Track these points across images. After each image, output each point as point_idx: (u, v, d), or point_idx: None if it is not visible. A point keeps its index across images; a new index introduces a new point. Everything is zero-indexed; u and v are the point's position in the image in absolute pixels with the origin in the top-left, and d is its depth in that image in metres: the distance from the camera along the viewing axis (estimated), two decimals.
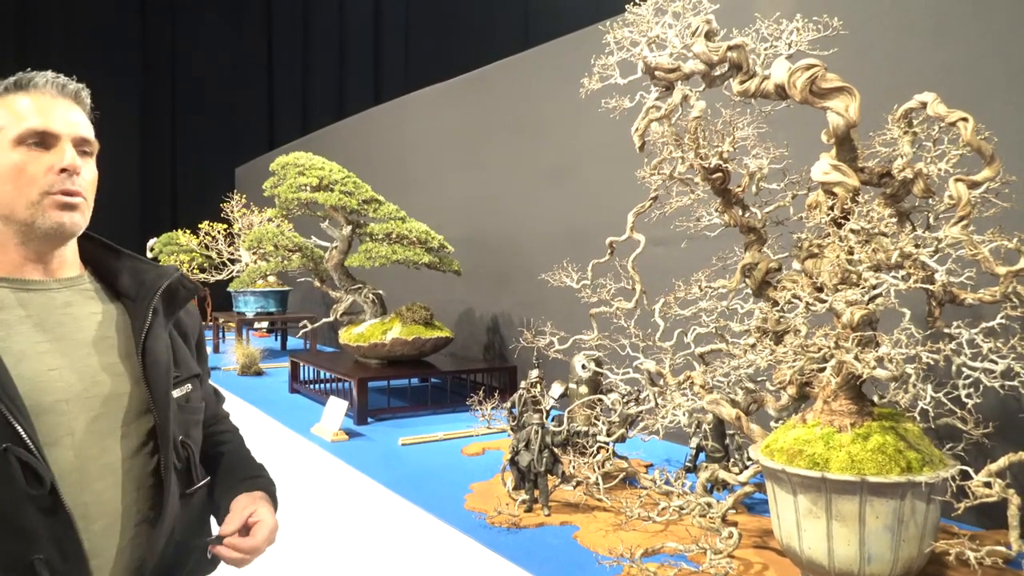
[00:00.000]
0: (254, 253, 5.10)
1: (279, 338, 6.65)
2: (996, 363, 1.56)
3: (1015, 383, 1.57)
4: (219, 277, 5.94)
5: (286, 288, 6.16)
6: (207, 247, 5.93)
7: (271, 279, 5.96)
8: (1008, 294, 1.53)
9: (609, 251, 2.31)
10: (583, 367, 2.75)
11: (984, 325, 1.61)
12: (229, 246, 5.97)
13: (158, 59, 11.89)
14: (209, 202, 6.72)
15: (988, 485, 1.45)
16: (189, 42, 11.89)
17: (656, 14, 1.95)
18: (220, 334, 6.32)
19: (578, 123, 3.75)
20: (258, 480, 1.72)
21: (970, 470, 1.51)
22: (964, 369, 1.63)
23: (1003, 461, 1.48)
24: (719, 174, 1.98)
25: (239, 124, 11.83)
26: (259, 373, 5.03)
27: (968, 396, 1.64)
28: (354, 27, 12.22)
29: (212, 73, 11.89)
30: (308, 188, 3.99)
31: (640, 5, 1.96)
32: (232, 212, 5.99)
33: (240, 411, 4.00)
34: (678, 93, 1.92)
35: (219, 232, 5.97)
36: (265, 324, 6.63)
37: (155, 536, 1.38)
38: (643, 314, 2.31)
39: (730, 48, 1.85)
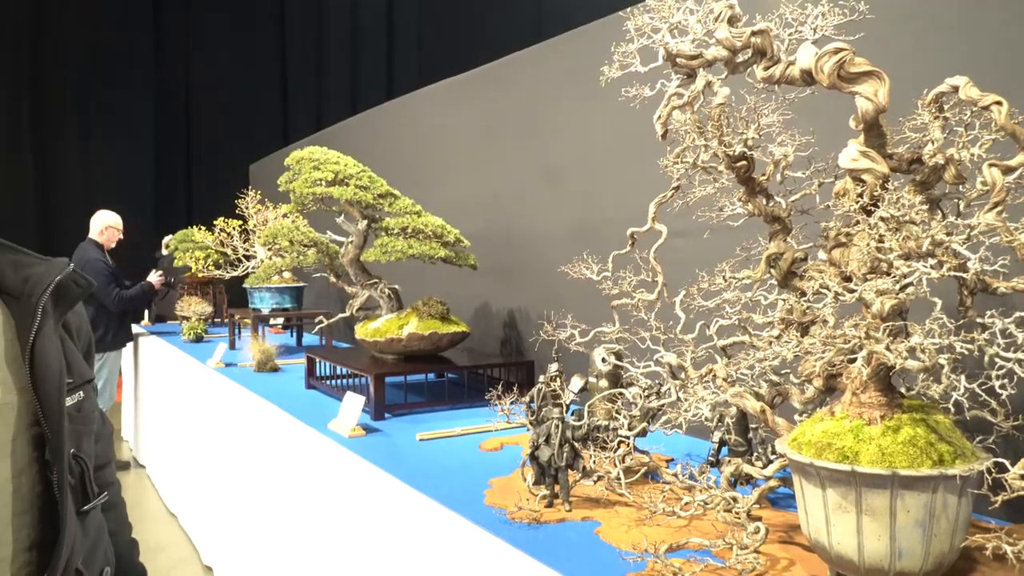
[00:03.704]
0: (269, 249, 5.10)
1: (295, 334, 6.65)
2: None
3: None
4: (234, 273, 5.95)
5: (301, 284, 6.16)
6: (222, 243, 5.94)
7: (286, 275, 5.96)
8: None
9: (630, 242, 2.28)
10: (603, 360, 2.72)
11: (1018, 315, 1.57)
12: (244, 242, 5.97)
13: (172, 58, 11.94)
14: (224, 199, 6.74)
15: None
16: (202, 40, 11.93)
17: (678, 0, 1.91)
18: (236, 331, 6.32)
19: (595, 114, 3.72)
20: None
21: (1006, 462, 1.47)
22: (997, 360, 1.59)
23: None
24: (743, 162, 1.95)
25: (253, 121, 11.86)
26: (275, 369, 5.02)
27: (1002, 387, 1.60)
28: (367, 23, 12.24)
29: (225, 71, 11.93)
30: (323, 183, 3.98)
31: None
32: (247, 208, 5.99)
33: (257, 408, 3.99)
34: (701, 80, 1.89)
35: (234, 228, 5.98)
36: (281, 320, 6.63)
37: (53, 563, 1.26)
38: (664, 307, 2.28)
39: (754, 34, 1.81)
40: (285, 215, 5.23)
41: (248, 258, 5.94)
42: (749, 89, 1.97)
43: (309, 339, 6.71)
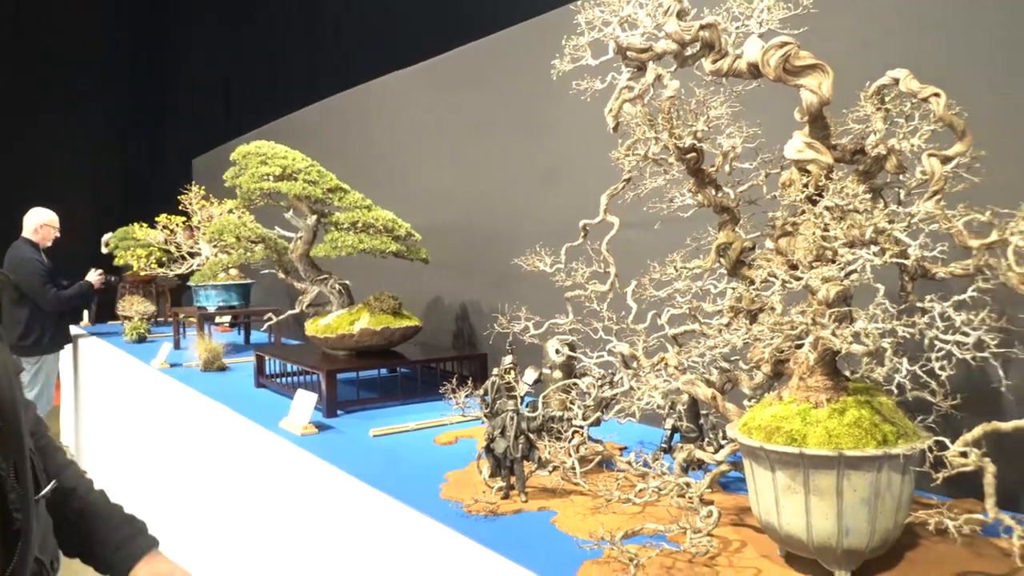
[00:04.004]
0: (215, 246, 5.02)
1: (242, 332, 6.55)
2: (968, 335, 1.59)
3: (985, 354, 1.59)
4: (179, 271, 5.83)
5: (249, 281, 6.06)
6: (166, 240, 5.82)
7: (233, 272, 5.86)
8: (981, 267, 1.55)
9: (583, 234, 2.31)
10: (557, 352, 2.75)
11: (956, 298, 1.64)
12: (188, 239, 5.86)
13: (110, 51, 11.62)
14: (166, 195, 6.60)
15: (964, 455, 1.46)
16: (143, 32, 11.63)
17: None
18: (181, 330, 6.20)
19: (547, 106, 3.74)
20: (143, 536, 1.57)
21: (946, 441, 1.53)
22: (936, 342, 1.65)
23: (978, 431, 1.50)
24: (693, 154, 1.98)
25: (196, 114, 11.60)
26: (223, 368, 4.95)
27: (941, 368, 1.67)
28: (317, 13, 12.00)
29: (168, 63, 11.65)
30: (271, 177, 3.92)
31: None
32: (191, 204, 5.87)
33: (205, 408, 3.93)
34: (651, 73, 1.92)
35: (178, 225, 5.86)
36: (227, 318, 6.52)
37: (21, 550, 1.24)
38: (617, 297, 2.31)
39: (702, 27, 1.84)
40: (231, 211, 5.15)
41: (193, 255, 5.82)
42: (698, 82, 2.01)
43: (257, 337, 6.61)
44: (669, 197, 2.17)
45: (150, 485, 5.08)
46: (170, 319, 6.42)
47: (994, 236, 1.51)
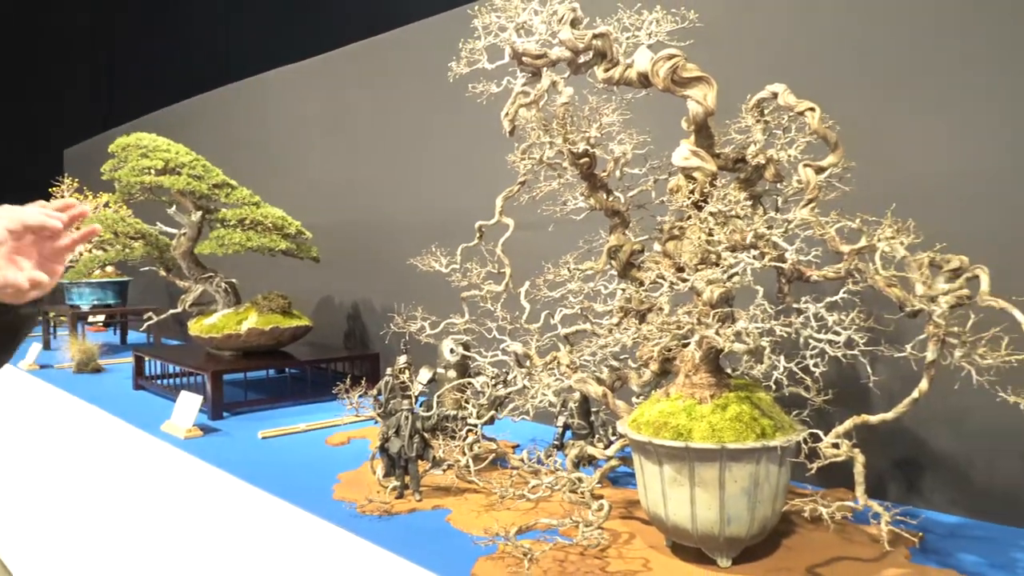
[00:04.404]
0: (89, 241, 4.77)
1: (118, 332, 6.26)
2: (839, 334, 1.70)
3: (855, 352, 1.71)
4: None
5: (126, 279, 5.80)
6: None
7: (109, 269, 5.59)
8: (851, 270, 1.66)
9: (478, 235, 2.33)
10: (451, 351, 2.76)
11: (828, 300, 1.75)
12: None
13: None
14: (35, 187, 6.22)
15: (836, 446, 1.57)
16: (10, 12, 10.90)
17: (523, 0, 1.98)
18: (51, 330, 5.87)
19: (444, 107, 3.75)
20: None
21: (820, 433, 1.63)
22: (811, 341, 1.75)
23: (848, 424, 1.61)
24: (586, 159, 2.04)
25: (69, 103, 10.96)
26: (98, 370, 4.72)
27: (815, 365, 1.77)
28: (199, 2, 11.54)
29: (40, 47, 10.96)
30: (153, 171, 3.77)
31: None
32: (63, 197, 5.56)
33: (80, 412, 3.74)
34: (546, 79, 1.96)
35: None
36: (101, 318, 6.22)
37: None
38: (511, 297, 2.34)
39: (595, 36, 1.90)
40: (107, 204, 4.92)
41: None
42: (591, 89, 2.06)
43: (135, 337, 6.33)
44: (563, 200, 2.22)
45: (14, 494, 4.78)
46: (39, 318, 6.07)
47: (863, 242, 1.63)
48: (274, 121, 5.30)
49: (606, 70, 1.93)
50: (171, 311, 4.25)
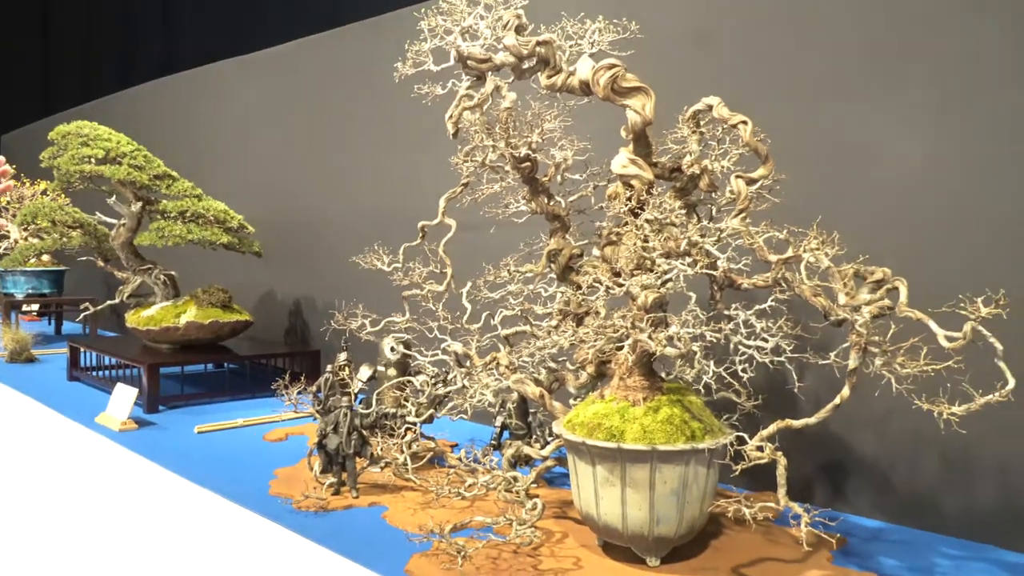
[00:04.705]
0: (26, 229, 4.67)
1: (53, 322, 6.11)
2: (767, 341, 1.75)
3: (782, 359, 1.77)
4: None
5: (62, 268, 5.66)
6: None
7: (45, 258, 5.46)
8: (778, 279, 1.72)
9: (421, 235, 2.35)
10: (392, 350, 2.77)
11: (757, 307, 1.80)
12: None
13: None
14: None
15: (760, 449, 1.62)
16: None
17: (469, 4, 2.00)
18: None
19: (389, 106, 3.74)
20: None
21: (746, 436, 1.69)
22: (740, 347, 1.81)
23: (772, 428, 1.66)
24: (528, 163, 2.07)
25: (6, 88, 10.62)
26: (31, 360, 4.62)
27: (743, 371, 1.83)
28: None
29: None
30: (93, 160, 3.70)
31: None
32: None
33: (12, 401, 3.65)
34: (490, 83, 1.99)
35: None
36: (36, 307, 6.07)
37: None
38: (452, 297, 2.37)
39: (539, 43, 1.93)
40: (45, 192, 4.80)
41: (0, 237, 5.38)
42: (534, 95, 2.09)
43: (70, 327, 6.18)
44: (504, 203, 2.25)
45: None
46: None
47: (790, 252, 1.68)
48: (218, 114, 5.22)
49: (549, 77, 1.96)
50: (108, 302, 4.17)
